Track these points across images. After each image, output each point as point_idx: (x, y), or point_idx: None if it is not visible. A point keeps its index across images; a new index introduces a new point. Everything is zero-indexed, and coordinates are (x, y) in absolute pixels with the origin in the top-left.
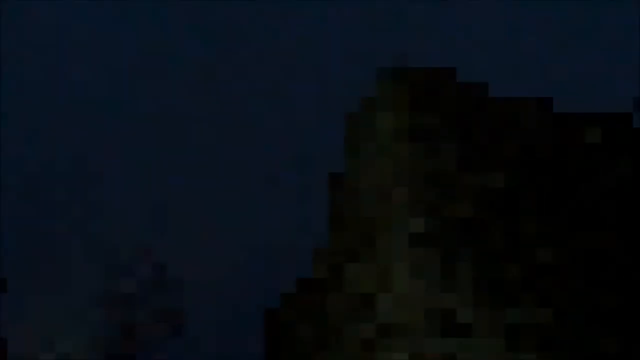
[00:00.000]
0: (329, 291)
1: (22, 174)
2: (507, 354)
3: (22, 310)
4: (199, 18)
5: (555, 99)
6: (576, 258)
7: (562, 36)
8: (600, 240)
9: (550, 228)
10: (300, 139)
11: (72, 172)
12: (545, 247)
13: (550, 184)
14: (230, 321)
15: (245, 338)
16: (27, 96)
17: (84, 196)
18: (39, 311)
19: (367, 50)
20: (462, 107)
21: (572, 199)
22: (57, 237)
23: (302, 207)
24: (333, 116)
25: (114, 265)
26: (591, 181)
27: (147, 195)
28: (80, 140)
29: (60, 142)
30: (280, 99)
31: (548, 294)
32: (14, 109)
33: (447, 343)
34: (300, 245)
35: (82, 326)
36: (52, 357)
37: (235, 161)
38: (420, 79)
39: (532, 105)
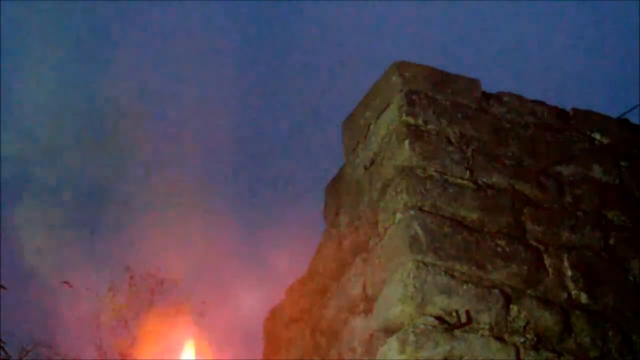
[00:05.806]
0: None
1: None
2: (509, 355)
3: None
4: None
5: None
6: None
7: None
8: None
9: (556, 230)
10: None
11: None
12: (547, 246)
13: (555, 185)
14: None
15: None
16: None
17: None
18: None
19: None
20: (462, 106)
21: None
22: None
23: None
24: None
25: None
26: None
27: None
28: None
29: None
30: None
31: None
32: None
33: (448, 344)
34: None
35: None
36: None
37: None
38: (421, 77)
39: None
